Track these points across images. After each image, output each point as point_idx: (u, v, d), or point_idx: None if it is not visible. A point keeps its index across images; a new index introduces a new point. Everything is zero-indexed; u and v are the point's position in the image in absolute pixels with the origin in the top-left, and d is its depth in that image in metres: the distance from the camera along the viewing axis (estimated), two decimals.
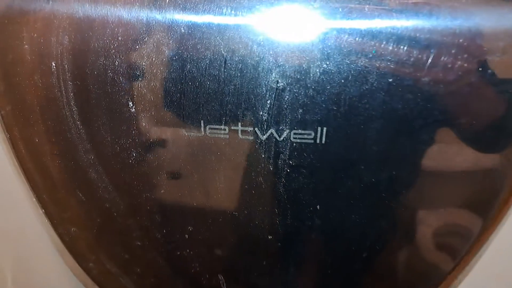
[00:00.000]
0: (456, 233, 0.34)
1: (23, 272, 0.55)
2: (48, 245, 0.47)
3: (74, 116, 0.32)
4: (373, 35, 0.26)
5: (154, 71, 0.29)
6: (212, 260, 0.37)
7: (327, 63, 0.27)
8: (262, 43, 0.27)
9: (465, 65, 0.27)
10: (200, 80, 0.29)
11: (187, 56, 0.29)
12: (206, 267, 0.37)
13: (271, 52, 0.27)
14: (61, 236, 0.39)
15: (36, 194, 0.37)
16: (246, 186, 0.32)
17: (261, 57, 0.28)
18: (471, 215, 0.34)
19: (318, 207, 0.32)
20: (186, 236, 0.36)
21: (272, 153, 0.30)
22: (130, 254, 0.38)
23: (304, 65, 0.27)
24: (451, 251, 0.35)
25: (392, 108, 0.28)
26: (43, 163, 0.35)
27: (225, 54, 0.28)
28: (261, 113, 0.29)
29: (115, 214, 0.36)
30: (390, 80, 0.27)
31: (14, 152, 0.36)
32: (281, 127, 0.29)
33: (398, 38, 0.26)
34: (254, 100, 0.29)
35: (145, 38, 0.29)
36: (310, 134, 0.29)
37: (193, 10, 0.28)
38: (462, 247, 0.34)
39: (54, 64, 0.30)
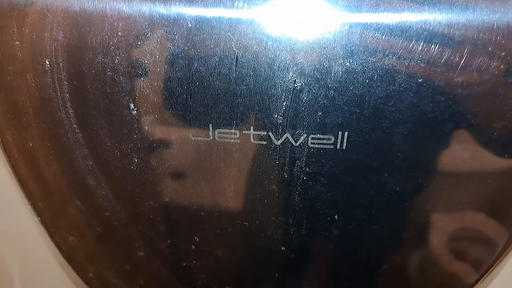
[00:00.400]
0: (482, 243, 0.32)
1: (29, 275, 0.53)
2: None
3: (71, 118, 0.29)
4: (402, 30, 0.24)
5: (158, 69, 0.27)
6: (220, 272, 0.34)
7: (351, 61, 0.24)
8: (278, 38, 0.25)
9: (502, 65, 0.24)
10: (209, 79, 0.26)
11: (194, 53, 0.26)
12: (213, 279, 0.35)
13: (287, 49, 0.25)
14: (58, 245, 0.37)
15: (31, 201, 0.35)
16: (258, 195, 0.30)
17: (277, 54, 0.25)
18: (498, 224, 0.31)
19: (336, 217, 0.29)
20: (193, 246, 0.33)
21: (288, 159, 0.28)
22: (132, 264, 0.36)
23: (324, 64, 0.25)
24: (477, 263, 0.32)
25: (421, 111, 0.25)
26: (38, 168, 0.33)
27: (236, 51, 0.25)
28: (275, 116, 0.27)
29: (116, 223, 0.34)
30: (420, 80, 0.24)
31: (7, 157, 0.33)
32: (297, 131, 0.27)
33: (430, 34, 0.24)
34: (268, 101, 0.26)
35: (147, 34, 0.26)
36: (330, 139, 0.26)
37: (201, 2, 0.25)
38: (488, 258, 0.32)
39: (48, 62, 0.28)
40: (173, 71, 0.27)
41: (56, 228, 0.36)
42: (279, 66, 0.25)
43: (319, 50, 0.24)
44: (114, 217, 0.33)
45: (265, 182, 0.29)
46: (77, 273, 0.38)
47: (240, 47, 0.25)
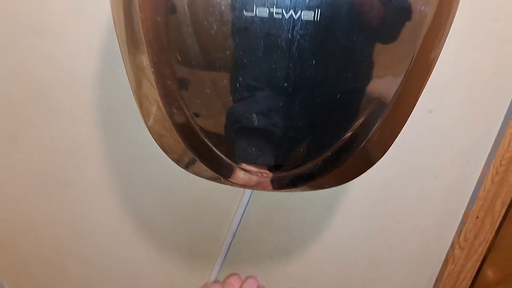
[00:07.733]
0: None
1: None
2: None
3: None
4: None
5: None
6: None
7: None
8: None
9: None
10: None
11: None
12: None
13: None
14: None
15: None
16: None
17: None
18: None
19: (314, 60, 0.53)
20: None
21: (291, 26, 0.53)
22: None
23: None
24: None
25: None
26: None
27: None
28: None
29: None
30: None
31: None
32: (296, 9, 0.51)
33: None
34: None
35: None
36: (311, 14, 0.51)
37: None
38: None
39: None
40: None
41: None
42: None
43: None
44: None
45: (279, 39, 0.54)
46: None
47: None
